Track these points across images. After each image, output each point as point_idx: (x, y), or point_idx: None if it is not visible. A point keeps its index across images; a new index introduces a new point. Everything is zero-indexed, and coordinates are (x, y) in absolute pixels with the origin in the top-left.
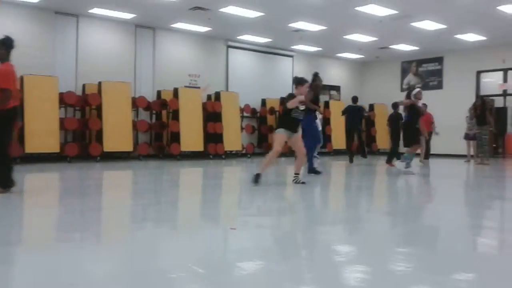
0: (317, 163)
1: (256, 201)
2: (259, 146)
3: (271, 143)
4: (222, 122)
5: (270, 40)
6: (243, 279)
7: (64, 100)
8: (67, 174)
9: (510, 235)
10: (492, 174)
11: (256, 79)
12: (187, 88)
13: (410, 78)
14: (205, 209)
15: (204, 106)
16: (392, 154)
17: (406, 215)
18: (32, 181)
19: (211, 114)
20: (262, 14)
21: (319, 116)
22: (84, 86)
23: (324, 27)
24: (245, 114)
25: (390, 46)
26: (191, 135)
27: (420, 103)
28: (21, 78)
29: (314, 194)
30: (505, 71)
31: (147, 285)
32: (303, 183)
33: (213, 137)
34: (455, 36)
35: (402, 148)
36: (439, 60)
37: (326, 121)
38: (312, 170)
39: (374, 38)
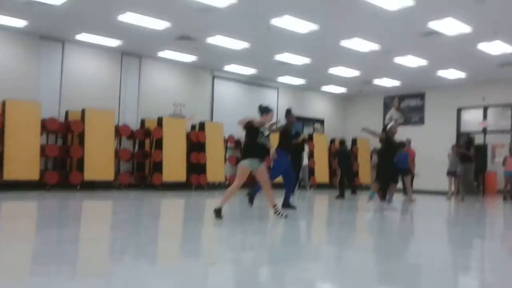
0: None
1: (237, 235)
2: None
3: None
4: (206, 152)
5: (255, 71)
6: None
7: (46, 126)
8: (46, 203)
9: (490, 275)
10: (478, 212)
11: (241, 110)
12: (172, 117)
13: (392, 113)
14: (185, 242)
15: (188, 135)
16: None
17: (387, 252)
18: (9, 209)
19: (195, 144)
20: (248, 45)
21: (306, 149)
22: (67, 112)
23: (308, 60)
24: (229, 145)
25: (373, 81)
26: (174, 165)
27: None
28: (3, 103)
29: (297, 229)
30: (485, 108)
31: None
32: (286, 216)
33: (196, 168)
34: (437, 73)
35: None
36: (421, 96)
37: (310, 154)
38: (287, 205)
39: (358, 73)
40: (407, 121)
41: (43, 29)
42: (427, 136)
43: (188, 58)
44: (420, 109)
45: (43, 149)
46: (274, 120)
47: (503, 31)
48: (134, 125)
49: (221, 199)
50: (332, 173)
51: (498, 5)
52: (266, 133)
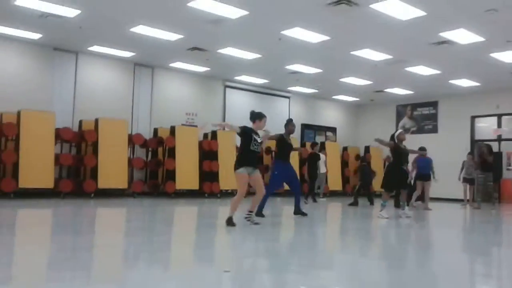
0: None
1: (250, 242)
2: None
3: (267, 183)
4: (218, 160)
5: (267, 81)
6: None
7: (60, 135)
8: (60, 210)
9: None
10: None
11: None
12: (184, 126)
13: (405, 121)
14: (198, 249)
15: (200, 144)
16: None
17: (401, 259)
18: (24, 216)
19: (208, 152)
20: (259, 56)
21: (323, 158)
22: (81, 122)
23: (320, 70)
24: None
25: (385, 90)
26: (186, 173)
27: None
28: (18, 113)
29: (310, 236)
30: (499, 116)
31: None
32: (256, 223)
33: (209, 176)
34: (450, 81)
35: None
36: (433, 104)
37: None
38: (299, 212)
39: (369, 82)
40: (420, 130)
41: (57, 41)
42: (440, 145)
43: (200, 68)
44: (434, 118)
45: (57, 158)
46: (265, 129)
47: None
48: (147, 134)
49: (229, 209)
50: (344, 181)
51: (511, 14)
52: (259, 140)
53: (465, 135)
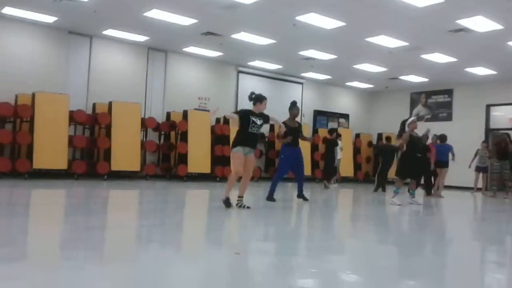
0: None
1: (261, 225)
2: (266, 170)
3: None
4: (230, 145)
5: (280, 67)
6: None
7: (74, 118)
8: (74, 191)
9: None
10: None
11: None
12: (197, 110)
13: (420, 109)
14: (210, 232)
15: (212, 129)
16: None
17: (412, 246)
18: (39, 197)
19: (219, 137)
20: (273, 41)
21: (340, 144)
22: (94, 105)
23: (334, 56)
24: None
25: (400, 77)
26: (198, 157)
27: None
28: (33, 95)
29: (321, 220)
30: None
31: None
32: (248, 207)
33: (220, 160)
34: (465, 69)
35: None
36: (448, 92)
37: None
38: (301, 197)
39: (384, 69)
40: (434, 117)
41: (72, 24)
42: (455, 133)
43: (213, 53)
44: (448, 105)
45: (71, 140)
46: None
47: None
48: (160, 118)
49: (224, 190)
50: (356, 167)
51: None
52: (259, 122)
53: (480, 124)
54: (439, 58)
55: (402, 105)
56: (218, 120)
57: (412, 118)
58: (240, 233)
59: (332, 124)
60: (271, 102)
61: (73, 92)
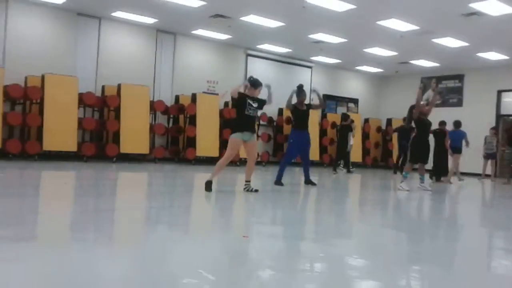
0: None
1: (269, 209)
2: (275, 154)
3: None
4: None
5: (289, 50)
6: None
7: (83, 100)
8: (83, 173)
9: None
10: None
11: (274, 88)
12: (205, 94)
13: (430, 94)
14: (218, 215)
15: (221, 112)
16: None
17: (420, 232)
18: (48, 178)
19: (228, 120)
20: (282, 24)
21: (354, 130)
22: (103, 87)
23: (344, 40)
24: (261, 122)
25: (410, 61)
26: (207, 140)
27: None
28: (42, 77)
29: (329, 205)
30: None
31: None
32: (256, 190)
33: None
34: (477, 54)
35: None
36: (459, 77)
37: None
38: (309, 182)
39: (394, 53)
40: (444, 102)
41: (81, 6)
42: (465, 118)
43: (222, 36)
44: (459, 91)
45: (80, 122)
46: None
47: None
48: (169, 101)
49: (212, 172)
50: (365, 153)
51: None
52: (255, 105)
53: (490, 110)
54: (450, 42)
55: (412, 90)
56: (226, 103)
57: (422, 102)
58: (248, 216)
59: (341, 109)
60: (279, 86)
61: (82, 75)
